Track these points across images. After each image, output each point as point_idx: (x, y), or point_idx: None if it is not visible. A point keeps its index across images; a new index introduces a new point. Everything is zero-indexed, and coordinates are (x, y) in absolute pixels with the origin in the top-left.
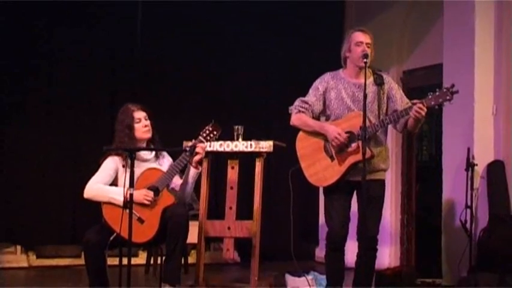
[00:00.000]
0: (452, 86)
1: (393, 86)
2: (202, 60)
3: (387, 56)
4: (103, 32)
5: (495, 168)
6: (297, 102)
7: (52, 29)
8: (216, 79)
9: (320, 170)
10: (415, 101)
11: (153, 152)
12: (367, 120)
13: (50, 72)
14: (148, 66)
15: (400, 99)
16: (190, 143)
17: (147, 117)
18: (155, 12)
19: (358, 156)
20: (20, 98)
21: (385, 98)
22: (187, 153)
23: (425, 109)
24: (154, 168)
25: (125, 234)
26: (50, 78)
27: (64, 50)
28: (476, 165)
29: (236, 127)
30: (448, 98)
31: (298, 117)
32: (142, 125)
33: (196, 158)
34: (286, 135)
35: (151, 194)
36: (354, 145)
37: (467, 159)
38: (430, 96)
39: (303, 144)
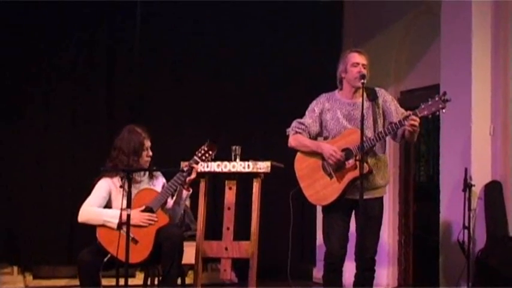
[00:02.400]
0: (444, 93)
1: (387, 99)
2: (199, 79)
3: (385, 76)
4: (100, 44)
5: (493, 189)
6: (294, 124)
7: (47, 39)
8: (213, 98)
9: (320, 189)
10: (408, 112)
11: (147, 174)
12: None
13: (46, 90)
14: (145, 83)
15: (395, 111)
16: (186, 163)
17: (150, 147)
18: (153, 28)
19: (357, 172)
20: (16, 117)
21: (380, 111)
22: (184, 174)
23: (418, 120)
24: (149, 189)
25: (119, 255)
26: (46, 98)
27: (61, 66)
28: (474, 185)
29: (234, 147)
30: (440, 106)
31: (295, 138)
32: (146, 154)
33: (189, 179)
34: (284, 156)
35: (153, 216)
36: (351, 161)
37: (465, 179)
38: (422, 106)
39: (302, 165)
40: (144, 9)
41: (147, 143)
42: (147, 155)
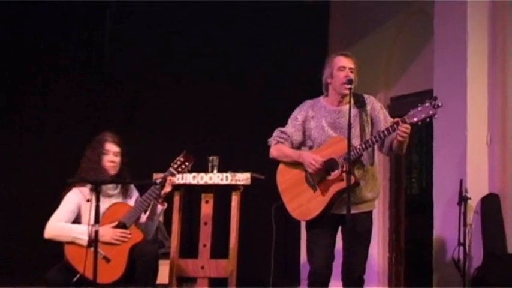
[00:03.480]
0: (435, 98)
1: (375, 106)
2: (175, 86)
3: (374, 81)
4: (69, 48)
5: (490, 202)
6: (276, 133)
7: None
8: (189, 106)
9: (303, 202)
10: (396, 119)
11: (119, 187)
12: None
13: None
14: (115, 90)
15: (384, 120)
16: (160, 176)
17: (117, 154)
18: (125, 31)
19: (342, 184)
20: None
21: (368, 119)
22: (158, 187)
23: (409, 127)
24: (122, 203)
25: (89, 274)
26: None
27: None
28: (470, 198)
29: (211, 158)
30: (431, 112)
31: (276, 148)
32: (108, 159)
33: (163, 192)
34: (265, 167)
35: (126, 233)
36: (336, 172)
37: (460, 192)
38: (412, 113)
39: (284, 177)
40: (117, 11)
41: (109, 146)
42: (108, 160)
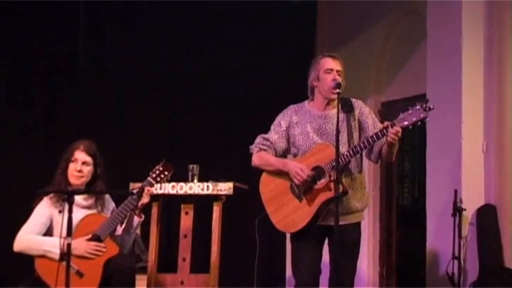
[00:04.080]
0: (427, 101)
1: (364, 111)
2: (153, 91)
3: (363, 85)
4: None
5: (486, 214)
6: (258, 140)
7: None
8: (168, 113)
9: (288, 213)
10: (386, 123)
11: (93, 198)
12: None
13: None
14: (93, 97)
15: (373, 125)
16: (137, 185)
17: (88, 163)
18: (100, 39)
19: (330, 194)
20: None
21: (356, 125)
22: (134, 197)
23: (400, 130)
24: (96, 214)
25: None
26: None
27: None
28: (465, 210)
29: (191, 166)
30: (422, 116)
31: (259, 156)
32: (74, 168)
33: (140, 203)
34: (248, 176)
35: (101, 246)
36: (322, 181)
37: (454, 203)
38: (402, 116)
39: (268, 187)
40: (89, 20)
41: (78, 154)
42: (74, 169)
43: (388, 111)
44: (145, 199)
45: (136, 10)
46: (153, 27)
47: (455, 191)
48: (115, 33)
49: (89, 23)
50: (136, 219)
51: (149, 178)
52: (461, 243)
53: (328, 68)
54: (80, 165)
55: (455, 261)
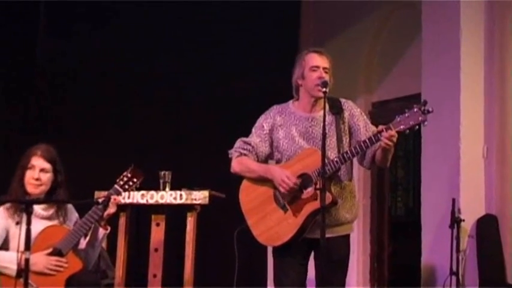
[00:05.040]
0: (425, 103)
1: (354, 112)
2: (120, 89)
3: (352, 84)
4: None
5: (487, 225)
6: (238, 144)
7: None
8: (137, 114)
9: (272, 225)
10: (380, 126)
11: (54, 208)
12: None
13: None
14: (55, 98)
15: (364, 128)
16: (103, 194)
17: (47, 170)
18: (63, 37)
19: (317, 204)
20: None
21: (345, 128)
22: (100, 207)
23: (396, 134)
24: (57, 226)
25: None
26: None
27: None
28: (463, 220)
29: (162, 173)
30: (421, 119)
31: (239, 161)
32: (31, 176)
33: (106, 214)
34: (226, 183)
35: (62, 261)
36: (309, 190)
37: (452, 213)
38: (398, 119)
39: (249, 196)
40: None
41: (37, 161)
42: (31, 177)
43: (379, 112)
44: (111, 209)
45: (104, 8)
46: (127, 26)
47: (453, 200)
48: (77, 32)
49: (48, 21)
50: (101, 232)
51: (116, 186)
52: (460, 258)
53: (314, 65)
54: (38, 172)
55: (453, 277)
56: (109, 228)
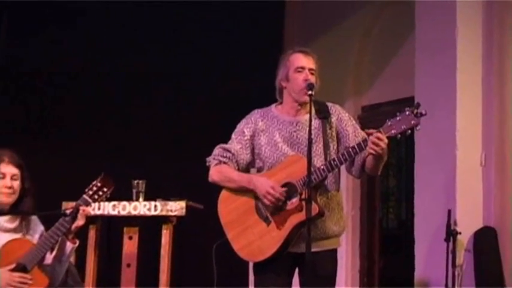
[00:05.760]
0: (418, 105)
1: (343, 117)
2: (89, 91)
3: (340, 86)
4: None
5: (485, 238)
6: (217, 151)
7: None
8: (108, 119)
9: (254, 238)
10: (370, 130)
11: (17, 219)
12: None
13: None
14: (18, 99)
15: (353, 133)
16: (71, 205)
17: (16, 177)
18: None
19: (303, 215)
20: None
21: (333, 133)
22: (67, 219)
23: (385, 139)
24: (21, 240)
25: None
26: None
27: None
28: (460, 233)
29: (135, 182)
30: (413, 123)
31: (218, 170)
32: (3, 185)
33: (74, 226)
34: (203, 193)
35: (26, 277)
36: (294, 201)
37: (448, 225)
38: (389, 123)
39: (228, 208)
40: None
41: (7, 168)
42: (4, 185)
43: (369, 117)
44: (80, 221)
45: (73, 9)
46: (106, 24)
47: (449, 212)
48: (38, 34)
49: (9, 22)
50: (69, 245)
51: (85, 196)
52: (456, 273)
53: (299, 66)
54: (10, 180)
55: None
56: (77, 242)
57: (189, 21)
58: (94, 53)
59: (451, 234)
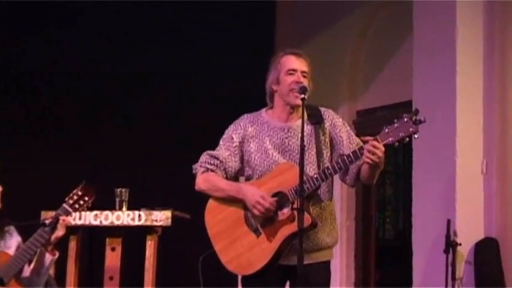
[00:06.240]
0: (416, 112)
1: (336, 123)
2: (71, 95)
3: (334, 90)
4: None
5: (486, 249)
6: (204, 158)
7: None
8: (90, 125)
9: (242, 251)
10: (366, 137)
11: None
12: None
13: None
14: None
15: (348, 140)
16: (50, 214)
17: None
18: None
19: (294, 227)
20: None
21: (326, 140)
22: (47, 229)
23: (382, 147)
24: None
25: None
26: None
27: None
28: (460, 244)
29: (118, 190)
30: (411, 130)
31: (205, 178)
32: None
33: (54, 237)
34: (191, 203)
35: None
36: (285, 211)
37: (447, 236)
38: (386, 130)
39: (216, 218)
40: None
41: None
42: None
43: (365, 122)
44: (60, 231)
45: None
46: (85, 25)
47: (448, 222)
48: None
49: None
50: (48, 257)
51: (65, 205)
52: (456, 286)
53: (291, 69)
54: None
55: None
56: (57, 254)
57: (180, 21)
58: (75, 60)
59: (450, 245)
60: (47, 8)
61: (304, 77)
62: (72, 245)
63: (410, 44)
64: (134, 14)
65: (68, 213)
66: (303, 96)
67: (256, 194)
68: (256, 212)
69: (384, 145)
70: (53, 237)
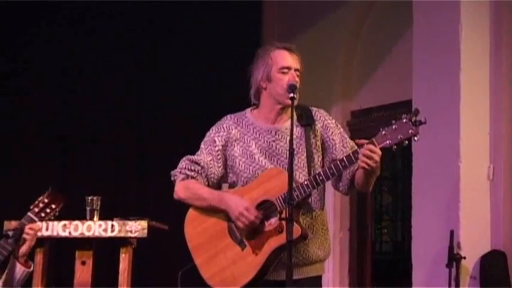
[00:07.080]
0: (416, 112)
1: (329, 124)
2: (39, 97)
3: (326, 89)
4: None
5: (492, 263)
6: (183, 164)
7: None
8: (61, 126)
9: (226, 265)
10: (362, 140)
11: None
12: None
13: None
14: None
15: (341, 143)
16: (14, 224)
17: None
18: None
19: (282, 238)
20: None
21: (317, 143)
22: (10, 240)
23: (378, 151)
24: None
25: None
26: None
27: None
28: (464, 258)
29: (89, 198)
30: (411, 132)
31: (185, 185)
32: None
33: (24, 248)
34: (168, 212)
35: None
36: (273, 221)
37: (450, 249)
38: (383, 132)
39: (197, 229)
40: None
41: None
42: None
43: (360, 124)
44: (31, 241)
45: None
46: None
47: (451, 233)
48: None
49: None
50: (20, 268)
51: (30, 214)
52: None
53: (285, 66)
54: None
55: None
56: (32, 266)
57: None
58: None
59: (454, 259)
60: (49, 8)
61: (297, 76)
62: (39, 258)
63: (408, 40)
64: (121, 13)
65: (32, 222)
66: (292, 95)
67: (240, 204)
68: (240, 224)
69: (381, 149)
70: (25, 247)
